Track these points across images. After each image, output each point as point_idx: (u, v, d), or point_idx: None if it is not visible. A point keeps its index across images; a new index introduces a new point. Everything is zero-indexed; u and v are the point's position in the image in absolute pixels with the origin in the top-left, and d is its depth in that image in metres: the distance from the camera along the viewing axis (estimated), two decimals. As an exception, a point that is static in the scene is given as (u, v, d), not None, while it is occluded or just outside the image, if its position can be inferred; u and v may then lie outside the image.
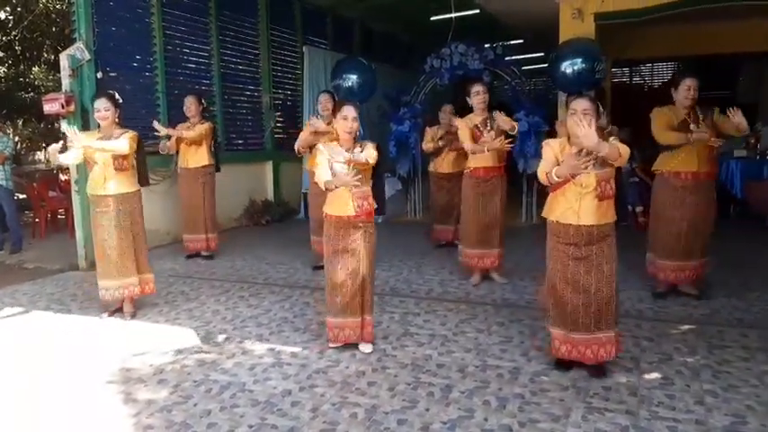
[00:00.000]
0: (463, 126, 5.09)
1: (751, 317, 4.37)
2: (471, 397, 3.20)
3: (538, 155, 7.85)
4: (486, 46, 8.36)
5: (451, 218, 6.71)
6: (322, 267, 4.14)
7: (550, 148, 3.31)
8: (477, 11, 9.17)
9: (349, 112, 3.69)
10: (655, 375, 3.37)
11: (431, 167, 7.02)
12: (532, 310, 4.64)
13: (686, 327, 4.18)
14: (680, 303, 4.70)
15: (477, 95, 5.07)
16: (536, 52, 12.91)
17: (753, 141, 8.55)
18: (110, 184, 4.50)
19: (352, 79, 8.17)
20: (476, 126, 5.09)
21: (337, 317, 3.80)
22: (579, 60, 6.95)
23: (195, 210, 6.60)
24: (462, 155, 5.73)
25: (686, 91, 4.45)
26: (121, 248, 4.57)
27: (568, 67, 7.02)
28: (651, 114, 4.60)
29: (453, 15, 8.55)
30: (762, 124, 8.88)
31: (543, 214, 3.41)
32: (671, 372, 3.43)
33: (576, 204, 3.22)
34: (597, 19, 7.92)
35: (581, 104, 3.18)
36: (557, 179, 3.17)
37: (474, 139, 5.05)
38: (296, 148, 5.65)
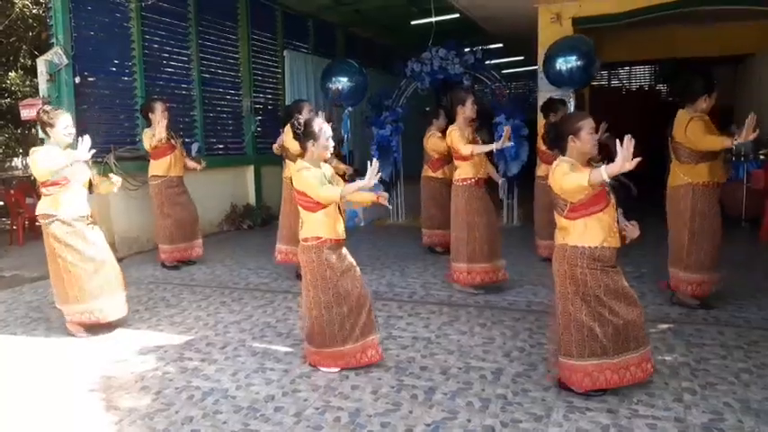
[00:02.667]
0: (459, 133, 5.02)
1: (727, 315, 4.45)
2: (454, 398, 3.22)
3: (518, 158, 8.00)
4: (467, 50, 8.44)
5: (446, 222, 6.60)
6: None
7: (572, 170, 2.99)
8: (458, 15, 9.24)
9: (330, 132, 3.54)
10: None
11: (432, 173, 6.80)
12: (514, 311, 4.69)
13: (664, 326, 4.24)
14: (657, 303, 4.77)
15: (474, 108, 5.06)
16: (516, 56, 13.04)
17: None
18: (85, 201, 4.37)
19: (343, 82, 8.18)
20: (473, 137, 5.13)
21: (354, 342, 3.53)
22: (573, 58, 7.02)
23: (191, 216, 6.48)
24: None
25: (715, 99, 4.33)
26: (111, 261, 4.49)
27: (563, 64, 7.09)
28: (687, 121, 4.34)
29: (433, 20, 8.60)
30: (737, 127, 9.04)
31: (576, 242, 3.05)
32: (650, 370, 3.47)
33: (615, 227, 3.07)
34: (575, 23, 8.06)
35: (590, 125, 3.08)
36: (605, 179, 2.84)
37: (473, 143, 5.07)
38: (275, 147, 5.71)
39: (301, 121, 3.56)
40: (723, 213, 4.70)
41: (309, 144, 3.50)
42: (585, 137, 3.04)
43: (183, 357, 3.92)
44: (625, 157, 2.71)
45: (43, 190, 4.28)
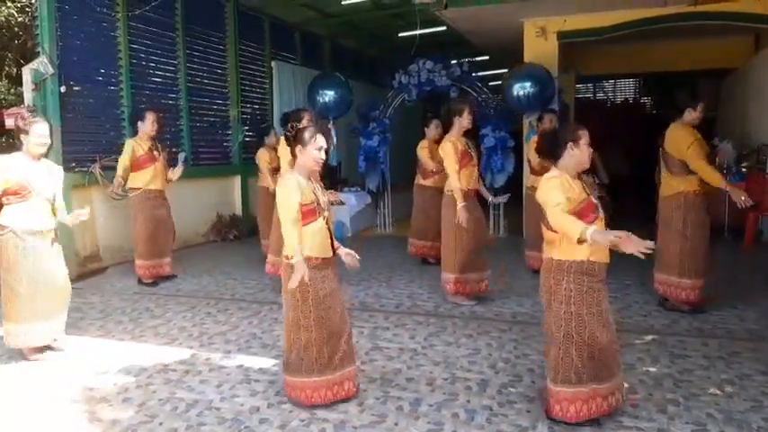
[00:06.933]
0: (452, 149, 5.02)
1: (710, 326, 4.49)
2: (440, 410, 3.21)
3: (504, 170, 8.05)
4: (453, 62, 8.51)
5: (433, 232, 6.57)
6: None
7: (561, 192, 2.88)
8: (444, 28, 9.32)
9: (324, 142, 3.27)
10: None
11: (423, 182, 6.77)
12: (500, 322, 4.70)
13: (649, 337, 4.27)
14: (641, 314, 4.81)
15: (469, 118, 5.08)
16: (502, 68, 13.12)
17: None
18: (50, 217, 4.14)
19: (329, 95, 8.23)
20: (465, 149, 5.12)
21: (332, 372, 3.25)
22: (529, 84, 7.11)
23: (168, 232, 6.27)
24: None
25: (701, 113, 4.63)
26: (64, 282, 4.24)
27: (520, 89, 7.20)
28: (686, 134, 4.57)
29: (419, 32, 8.67)
30: (720, 139, 9.17)
31: (562, 256, 2.93)
32: (634, 381, 3.50)
33: None
34: (560, 37, 8.16)
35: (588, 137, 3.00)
36: (590, 241, 2.72)
37: (464, 158, 5.06)
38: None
39: (294, 125, 3.37)
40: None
41: (297, 149, 3.24)
42: (584, 146, 2.99)
43: (167, 369, 3.89)
44: (626, 242, 2.62)
45: (3, 199, 4.02)
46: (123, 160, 6.01)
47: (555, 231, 2.96)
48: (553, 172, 3.02)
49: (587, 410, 2.93)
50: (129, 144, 6.03)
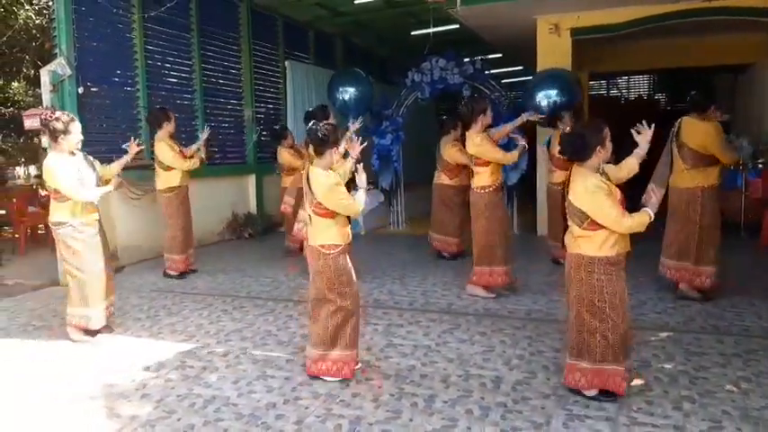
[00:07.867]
0: (490, 142, 5.12)
1: (726, 323, 4.47)
2: (454, 406, 3.23)
3: (517, 167, 8.03)
4: (466, 60, 8.51)
5: (457, 229, 6.77)
6: None
7: (609, 195, 3.07)
8: (457, 26, 9.32)
9: None
10: (634, 382, 3.43)
11: (448, 181, 6.81)
12: (514, 319, 4.71)
13: (664, 334, 4.26)
14: (656, 312, 4.80)
15: (491, 115, 5.21)
16: (515, 66, 13.13)
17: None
18: (95, 203, 4.43)
19: (350, 92, 8.25)
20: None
21: (354, 347, 3.63)
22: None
23: (190, 226, 6.50)
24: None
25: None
26: (107, 268, 4.53)
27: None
28: (713, 129, 4.77)
29: (432, 30, 8.68)
30: (736, 136, 9.08)
31: (597, 252, 3.13)
32: (649, 378, 3.49)
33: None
34: (573, 34, 8.14)
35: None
36: (652, 215, 3.15)
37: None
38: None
39: (326, 125, 3.54)
40: (722, 222, 4.95)
41: (332, 151, 3.50)
42: (609, 144, 3.16)
43: (184, 365, 3.94)
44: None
45: (56, 197, 4.28)
46: (177, 158, 6.17)
47: (588, 230, 3.12)
48: (588, 175, 3.13)
49: (621, 385, 3.20)
50: (165, 144, 6.17)
